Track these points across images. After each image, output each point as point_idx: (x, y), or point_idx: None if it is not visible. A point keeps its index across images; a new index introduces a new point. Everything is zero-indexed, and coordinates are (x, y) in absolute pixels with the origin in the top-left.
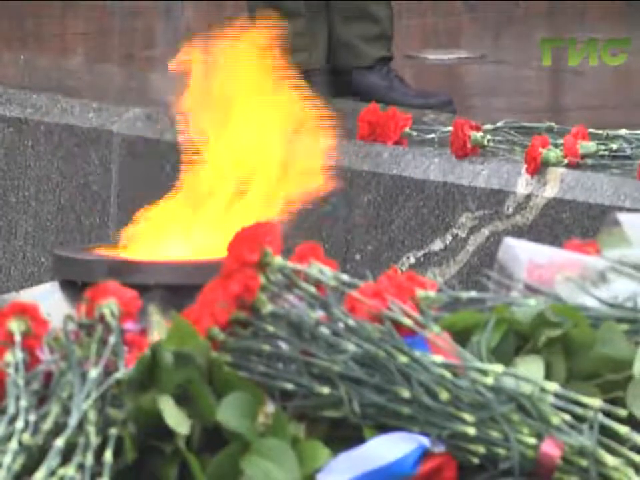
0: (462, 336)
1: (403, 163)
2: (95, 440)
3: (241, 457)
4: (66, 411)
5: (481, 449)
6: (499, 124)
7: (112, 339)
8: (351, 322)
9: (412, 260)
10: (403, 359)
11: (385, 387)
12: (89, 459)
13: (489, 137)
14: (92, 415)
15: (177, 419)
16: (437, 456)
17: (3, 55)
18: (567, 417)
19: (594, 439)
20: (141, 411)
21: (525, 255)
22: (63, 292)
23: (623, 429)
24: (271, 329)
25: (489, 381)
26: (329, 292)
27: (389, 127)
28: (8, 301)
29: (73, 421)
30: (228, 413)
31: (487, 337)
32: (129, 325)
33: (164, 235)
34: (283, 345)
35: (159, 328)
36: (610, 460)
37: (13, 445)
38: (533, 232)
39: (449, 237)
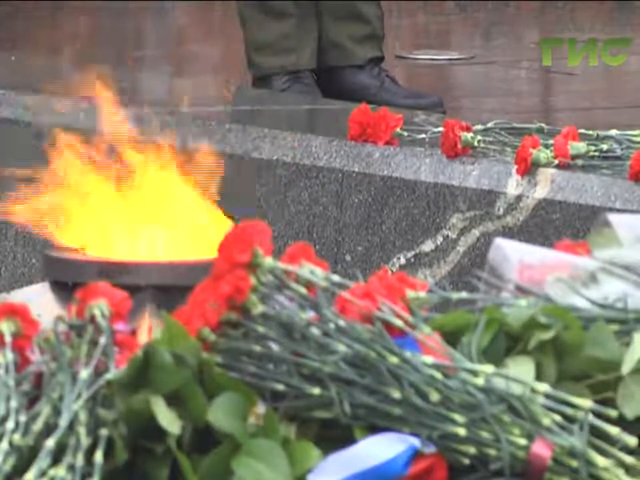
0: (452, 337)
1: (394, 163)
2: (85, 441)
3: (232, 457)
4: (56, 412)
5: (472, 450)
6: (490, 124)
7: (102, 340)
8: (342, 323)
9: (402, 261)
10: (394, 359)
11: (375, 388)
12: (80, 460)
13: (479, 137)
14: (82, 416)
15: (169, 419)
16: (427, 456)
17: None
18: (558, 418)
19: (584, 439)
20: (132, 411)
21: (515, 256)
22: (53, 293)
23: (614, 430)
24: (261, 329)
25: (480, 381)
26: (320, 293)
27: (379, 127)
28: None
29: (63, 421)
30: (219, 414)
31: (477, 337)
32: (120, 326)
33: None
34: (274, 346)
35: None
36: (600, 461)
37: (4, 445)
38: (523, 233)
39: (439, 238)
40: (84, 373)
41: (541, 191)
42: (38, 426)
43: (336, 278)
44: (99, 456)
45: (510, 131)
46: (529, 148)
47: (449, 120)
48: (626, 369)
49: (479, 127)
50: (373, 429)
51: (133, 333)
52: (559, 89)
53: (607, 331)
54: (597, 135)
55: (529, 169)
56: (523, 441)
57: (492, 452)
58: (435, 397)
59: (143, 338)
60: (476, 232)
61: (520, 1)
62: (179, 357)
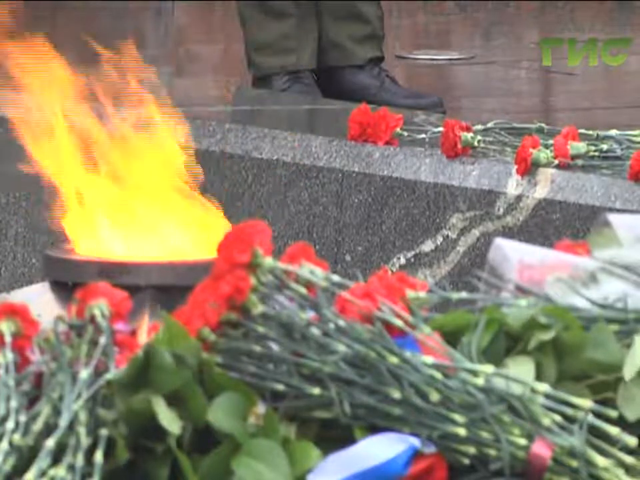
0: (452, 337)
1: (394, 163)
2: (85, 440)
3: (232, 457)
4: (56, 412)
5: (472, 450)
6: (490, 124)
7: (102, 340)
8: (342, 323)
9: (402, 261)
10: (394, 359)
11: (375, 388)
12: (80, 460)
13: (479, 137)
14: (82, 416)
15: (169, 419)
16: (427, 457)
17: None
18: (558, 418)
19: (584, 439)
20: (132, 411)
21: (515, 256)
22: (53, 293)
23: (614, 430)
24: (261, 329)
25: (480, 381)
26: (320, 293)
27: (379, 127)
28: None
29: (63, 421)
30: (219, 414)
31: (477, 337)
32: (120, 326)
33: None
34: (274, 346)
35: None
36: (600, 461)
37: (4, 445)
38: (523, 233)
39: (439, 238)
40: (84, 373)
41: (541, 191)
42: (38, 426)
43: (336, 278)
44: (99, 456)
45: (510, 131)
46: (529, 148)
47: (448, 120)
48: (628, 373)
49: (479, 127)
50: (373, 429)
51: (133, 333)
52: (559, 89)
53: (608, 332)
54: (597, 135)
55: (529, 169)
56: (522, 441)
57: (492, 452)
58: (434, 396)
59: (142, 338)
60: (476, 232)
61: (520, 1)
62: (179, 357)
